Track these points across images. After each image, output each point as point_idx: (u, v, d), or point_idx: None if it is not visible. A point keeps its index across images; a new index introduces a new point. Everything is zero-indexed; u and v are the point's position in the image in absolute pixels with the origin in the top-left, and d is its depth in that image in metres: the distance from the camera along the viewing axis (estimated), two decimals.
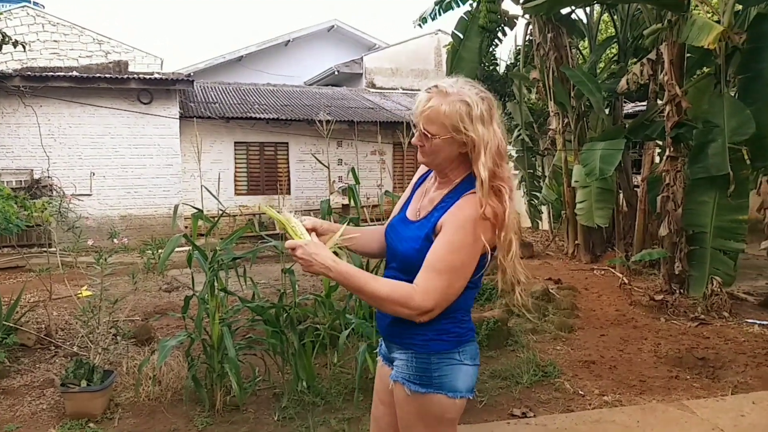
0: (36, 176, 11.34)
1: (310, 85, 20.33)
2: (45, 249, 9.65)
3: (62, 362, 5.02)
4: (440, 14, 10.31)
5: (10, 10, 14.85)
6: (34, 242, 10.65)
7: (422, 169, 1.86)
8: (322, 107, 14.39)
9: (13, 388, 4.47)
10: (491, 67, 11.48)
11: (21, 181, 11.15)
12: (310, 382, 3.98)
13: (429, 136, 1.60)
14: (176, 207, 3.78)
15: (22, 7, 15.08)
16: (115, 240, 6.73)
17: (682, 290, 6.52)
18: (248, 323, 4.28)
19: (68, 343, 5.43)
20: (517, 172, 10.71)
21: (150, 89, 12.25)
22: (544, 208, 10.61)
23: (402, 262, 1.68)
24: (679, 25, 6.38)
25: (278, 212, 1.72)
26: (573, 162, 8.63)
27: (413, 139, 1.66)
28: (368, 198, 12.84)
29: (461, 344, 1.66)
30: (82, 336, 4.70)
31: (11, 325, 5.33)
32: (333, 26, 22.08)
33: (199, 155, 3.96)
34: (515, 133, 10.18)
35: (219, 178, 6.09)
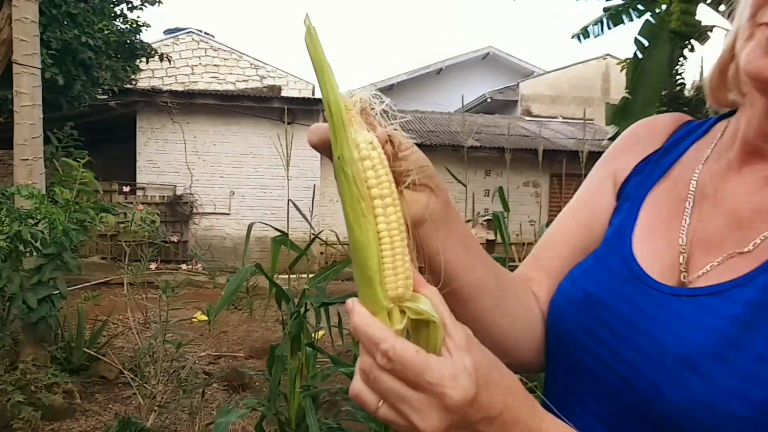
0: (178, 192, 11.31)
1: (460, 113, 19.32)
2: (175, 267, 9.37)
3: (138, 404, 4.20)
4: (609, 27, 8.61)
5: (177, 36, 15.55)
6: (171, 258, 10.51)
7: (652, 130, 0.80)
8: (470, 134, 13.20)
9: None
10: (678, 87, 9.57)
11: (164, 196, 11.16)
12: None
13: None
14: (250, 227, 2.75)
15: (188, 33, 15.74)
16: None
17: None
18: (342, 393, 3.15)
19: (154, 381, 4.66)
20: None
21: (293, 109, 11.91)
22: None
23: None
24: None
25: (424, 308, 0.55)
26: None
27: None
28: (518, 235, 11.33)
29: None
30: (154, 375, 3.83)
31: (92, 353, 4.66)
32: (488, 53, 20.99)
33: (286, 163, 2.91)
34: None
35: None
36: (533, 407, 0.55)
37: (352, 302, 0.52)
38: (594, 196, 0.80)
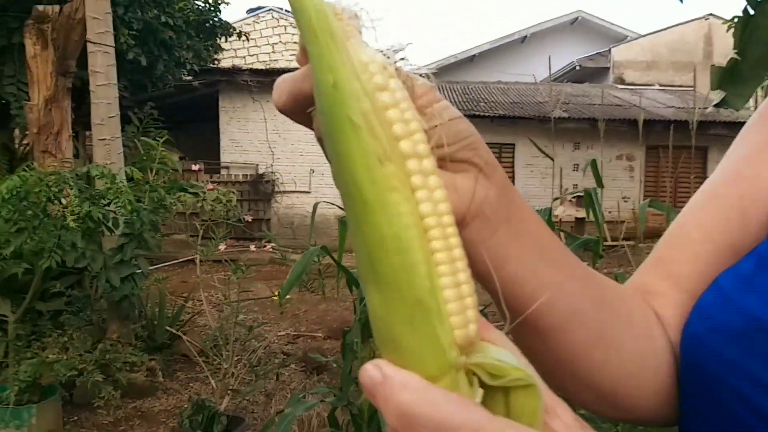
0: (260, 171, 11.44)
1: (546, 82, 18.47)
2: (261, 244, 9.47)
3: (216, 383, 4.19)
4: None
5: (258, 14, 15.67)
6: (255, 236, 10.68)
7: None
8: (557, 104, 12.52)
9: (152, 413, 3.68)
10: None
11: (247, 175, 11.32)
12: None
13: None
14: (315, 206, 2.56)
15: (269, 11, 15.83)
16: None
17: None
18: None
19: (235, 360, 4.65)
20: None
21: None
22: None
23: None
24: None
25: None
26: None
27: None
28: (610, 212, 10.65)
29: None
30: (233, 356, 3.77)
31: (174, 332, 4.69)
32: (577, 18, 19.87)
33: None
34: None
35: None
36: None
37: (376, 367, 0.30)
38: (750, 169, 0.53)
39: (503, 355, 0.31)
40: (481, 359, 0.31)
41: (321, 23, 0.30)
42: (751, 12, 7.25)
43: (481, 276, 0.40)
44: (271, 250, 5.91)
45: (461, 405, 0.28)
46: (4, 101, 6.47)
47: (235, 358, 3.49)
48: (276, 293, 6.98)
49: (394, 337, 0.30)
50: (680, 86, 16.01)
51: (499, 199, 0.40)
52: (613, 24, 20.05)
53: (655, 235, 0.96)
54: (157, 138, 5.00)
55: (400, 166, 0.30)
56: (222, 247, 3.86)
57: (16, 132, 7.43)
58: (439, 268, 0.30)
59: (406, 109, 0.31)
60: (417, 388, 0.29)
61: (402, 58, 0.32)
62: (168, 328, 4.69)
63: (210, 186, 4.63)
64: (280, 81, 0.36)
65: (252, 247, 5.48)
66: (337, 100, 0.30)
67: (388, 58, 0.31)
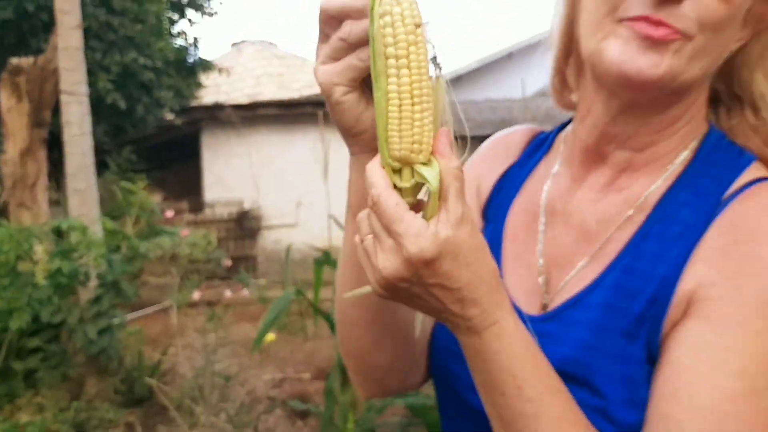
0: (246, 207, 11.38)
1: (531, 96, 18.56)
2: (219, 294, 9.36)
3: None
4: None
5: (240, 48, 15.77)
6: (233, 279, 10.56)
7: (509, 144, 0.83)
8: (534, 121, 12.58)
9: None
10: None
11: (232, 212, 11.25)
12: None
13: None
14: (289, 248, 2.51)
15: (252, 44, 15.92)
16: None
17: None
18: (401, 427, 2.88)
19: (214, 410, 4.53)
20: None
21: None
22: None
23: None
24: None
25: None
26: None
27: None
28: None
29: None
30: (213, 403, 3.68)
31: (152, 383, 4.58)
32: None
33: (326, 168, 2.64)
34: None
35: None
36: (501, 302, 0.56)
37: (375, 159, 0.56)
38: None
39: (432, 170, 0.53)
40: (421, 168, 0.54)
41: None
42: None
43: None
44: (246, 294, 5.83)
45: (379, 176, 0.54)
46: None
47: (215, 409, 3.39)
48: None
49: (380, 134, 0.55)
50: None
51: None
52: None
53: None
54: (137, 181, 4.95)
55: (383, 62, 0.53)
56: (196, 296, 3.79)
57: None
58: (390, 120, 0.53)
59: (399, 25, 0.52)
60: (374, 163, 0.55)
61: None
62: (148, 379, 4.58)
63: (185, 231, 4.57)
64: None
65: (228, 293, 5.40)
66: (372, 18, 0.53)
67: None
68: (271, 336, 6.58)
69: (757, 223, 0.58)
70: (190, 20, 9.39)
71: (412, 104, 0.52)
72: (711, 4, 0.57)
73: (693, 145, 0.66)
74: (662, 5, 0.56)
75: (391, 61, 0.52)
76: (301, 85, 16.49)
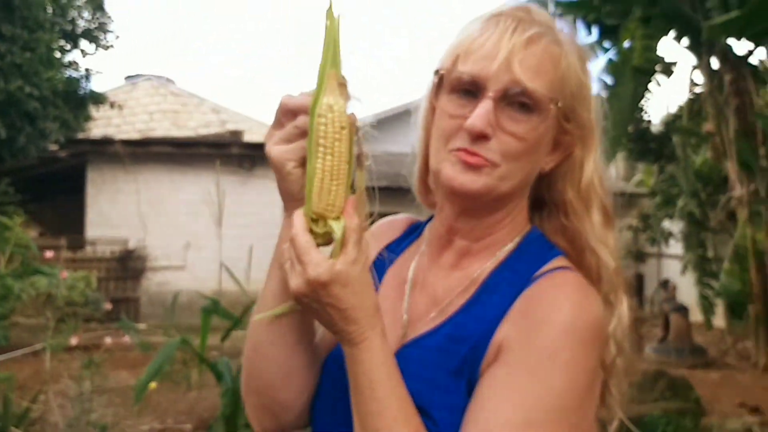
0: (131, 246, 10.81)
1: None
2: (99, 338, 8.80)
3: None
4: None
5: (135, 82, 15.22)
6: (121, 317, 9.93)
7: (392, 227, 1.05)
8: None
9: None
10: (644, 123, 9.63)
11: (115, 251, 10.63)
12: None
13: (536, 105, 0.81)
14: (176, 296, 2.42)
15: (147, 79, 15.43)
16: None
17: None
18: None
19: None
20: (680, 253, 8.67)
21: (252, 155, 11.61)
22: (718, 300, 8.41)
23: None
24: None
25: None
26: (765, 240, 6.64)
27: (478, 120, 0.79)
28: None
29: None
30: None
31: None
32: None
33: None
34: (679, 204, 8.20)
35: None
36: (375, 325, 0.76)
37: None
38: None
39: (339, 224, 0.73)
40: (331, 222, 0.73)
41: (320, 78, 0.74)
42: (604, 95, 8.13)
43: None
44: (128, 340, 5.48)
45: (301, 223, 0.74)
46: None
47: None
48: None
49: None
50: None
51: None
52: None
53: None
54: (13, 216, 4.59)
55: (315, 148, 0.73)
56: (73, 341, 3.53)
57: None
58: (314, 186, 0.73)
59: (330, 126, 0.72)
60: (298, 213, 0.75)
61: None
62: (14, 429, 4.15)
63: (64, 273, 4.27)
64: (299, 94, 0.79)
65: (108, 339, 5.06)
66: (312, 115, 0.74)
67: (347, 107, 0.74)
68: (152, 384, 6.20)
69: (547, 295, 0.79)
70: (83, 51, 9.03)
71: (331, 179, 0.72)
72: (511, 142, 0.80)
73: (517, 239, 0.89)
74: (476, 141, 0.79)
75: (321, 149, 0.72)
76: (197, 125, 16.10)
